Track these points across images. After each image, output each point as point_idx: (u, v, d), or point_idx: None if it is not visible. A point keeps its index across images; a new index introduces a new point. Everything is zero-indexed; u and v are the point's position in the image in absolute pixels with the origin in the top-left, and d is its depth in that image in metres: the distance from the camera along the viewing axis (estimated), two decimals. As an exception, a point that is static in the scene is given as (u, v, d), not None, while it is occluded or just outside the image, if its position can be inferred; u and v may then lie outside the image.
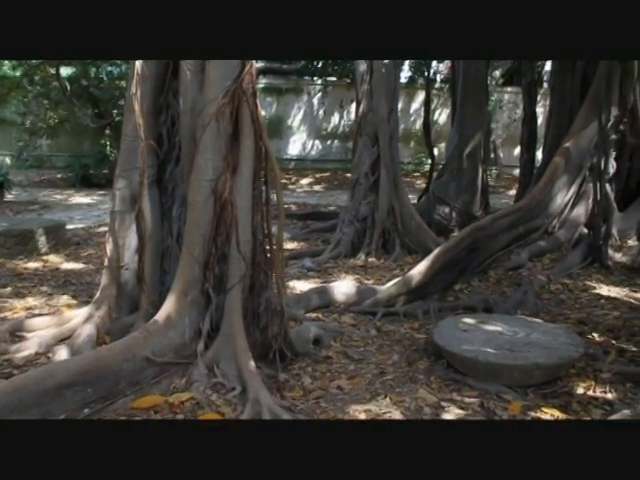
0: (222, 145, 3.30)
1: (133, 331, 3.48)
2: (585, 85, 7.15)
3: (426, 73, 14.09)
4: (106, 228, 4.19)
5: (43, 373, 2.95)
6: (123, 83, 11.50)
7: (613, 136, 6.39)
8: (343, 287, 4.80)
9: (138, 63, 3.56)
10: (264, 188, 3.43)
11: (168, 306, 3.37)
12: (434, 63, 15.78)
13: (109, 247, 3.86)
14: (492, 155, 14.39)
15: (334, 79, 15.57)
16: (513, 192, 9.89)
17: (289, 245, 6.86)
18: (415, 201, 7.95)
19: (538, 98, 10.59)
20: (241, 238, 3.29)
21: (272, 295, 3.46)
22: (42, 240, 6.44)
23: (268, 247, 3.50)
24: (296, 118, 16.03)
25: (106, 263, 3.88)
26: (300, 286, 5.20)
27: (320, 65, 15.50)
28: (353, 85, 6.96)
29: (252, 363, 3.14)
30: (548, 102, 8.59)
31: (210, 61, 3.30)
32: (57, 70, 9.24)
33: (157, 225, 3.80)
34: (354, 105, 6.97)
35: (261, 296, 3.43)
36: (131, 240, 3.84)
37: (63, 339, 3.73)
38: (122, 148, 3.86)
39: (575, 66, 7.43)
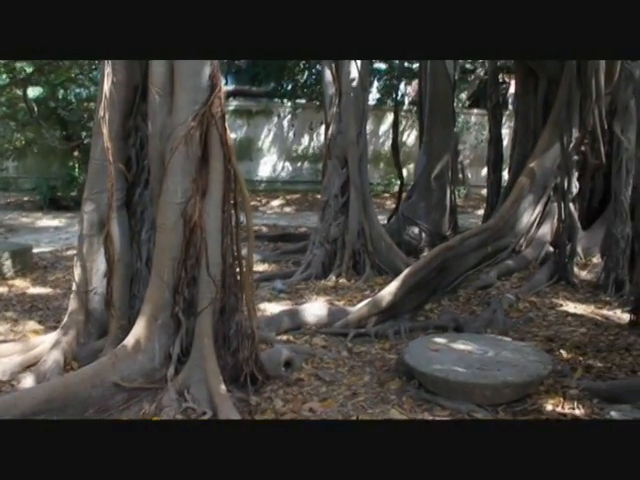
0: (191, 168, 3.31)
1: (102, 356, 3.43)
2: (547, 108, 7.35)
3: (394, 95, 14.30)
4: (74, 251, 4.14)
5: (7, 402, 2.88)
6: (92, 105, 11.42)
7: (575, 157, 6.54)
8: (314, 309, 4.81)
9: (106, 87, 3.56)
10: (233, 211, 3.44)
11: (137, 330, 3.34)
12: (402, 86, 16.04)
13: (77, 271, 3.81)
14: (460, 175, 14.63)
15: (303, 101, 15.70)
16: (481, 212, 10.03)
17: (260, 267, 6.84)
18: (385, 222, 8.01)
19: (503, 120, 10.81)
20: (211, 261, 3.29)
21: (243, 318, 3.45)
22: (8, 264, 6.32)
23: (238, 270, 3.50)
24: (266, 140, 16.09)
25: (74, 287, 3.83)
26: (271, 308, 5.19)
27: (290, 88, 15.62)
28: (322, 107, 7.03)
29: (223, 387, 3.12)
30: (513, 124, 8.78)
31: (179, 85, 3.32)
32: (24, 91, 9.14)
33: (126, 249, 3.77)
34: (324, 127, 7.04)
35: (232, 319, 3.42)
36: (100, 264, 3.81)
37: (29, 366, 3.65)
38: (90, 171, 3.84)
39: (537, 90, 7.64)
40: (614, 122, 5.95)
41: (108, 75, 3.55)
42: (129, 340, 3.31)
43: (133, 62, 3.62)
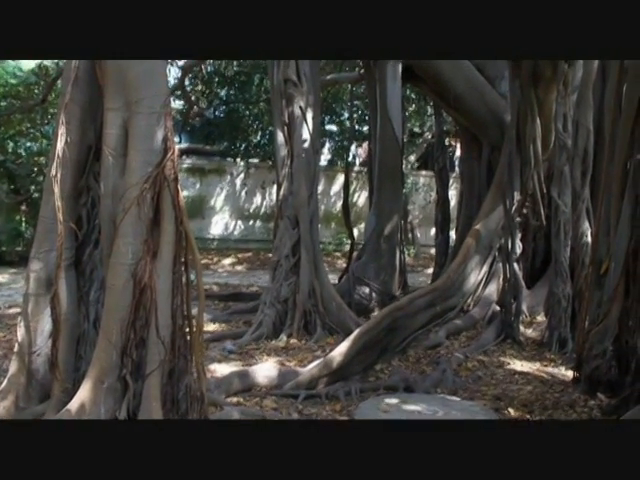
0: (143, 229, 3.31)
1: (43, 422, 3.31)
2: (490, 172, 7.70)
3: (345, 157, 14.68)
4: (18, 309, 4.03)
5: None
6: (42, 159, 11.31)
7: (518, 219, 6.82)
8: (265, 370, 4.77)
9: (60, 146, 3.56)
10: (184, 272, 3.44)
11: (82, 394, 3.24)
12: (353, 147, 16.49)
13: (21, 331, 3.70)
14: (410, 235, 14.97)
15: (256, 161, 15.92)
16: (431, 270, 10.24)
17: (210, 327, 6.76)
18: (336, 281, 8.09)
19: (451, 182, 11.23)
20: (160, 322, 3.26)
21: (192, 380, 3.40)
22: (-55, 324, 6.05)
23: (188, 331, 3.47)
24: (219, 198, 16.15)
25: (16, 348, 3.71)
26: (221, 369, 5.12)
27: (243, 147, 15.84)
28: (275, 167, 7.18)
29: (171, 452, 3.04)
30: (459, 186, 9.13)
31: (132, 147, 3.35)
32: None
33: (73, 309, 3.69)
34: (276, 187, 7.16)
35: (180, 381, 3.37)
36: (45, 324, 3.71)
37: (-37, 433, 3.48)
38: (39, 229, 3.79)
39: (481, 155, 8.00)
40: (552, 187, 6.27)
41: (62, 135, 3.57)
42: (73, 404, 3.21)
43: (87, 122, 3.65)
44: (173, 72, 15.49)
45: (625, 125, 4.23)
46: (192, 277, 3.48)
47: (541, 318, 6.79)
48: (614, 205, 4.46)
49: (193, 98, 15.13)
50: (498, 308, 6.70)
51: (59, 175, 3.57)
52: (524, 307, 6.77)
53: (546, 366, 5.46)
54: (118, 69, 3.32)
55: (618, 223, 4.36)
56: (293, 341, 6.14)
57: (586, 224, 5.90)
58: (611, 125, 4.56)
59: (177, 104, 15.87)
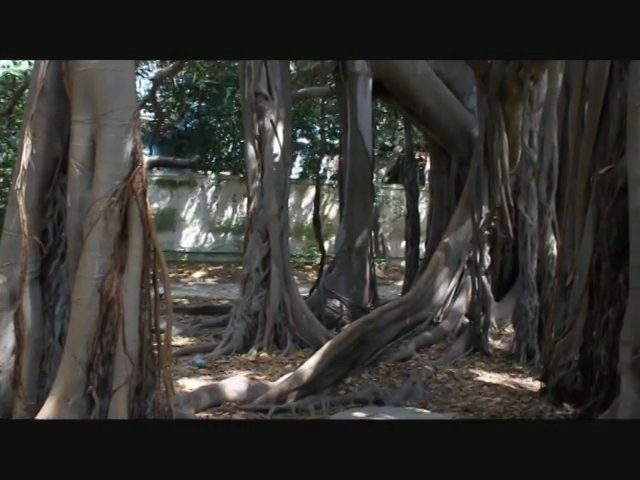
0: (110, 243, 3.27)
1: (5, 441, 3.23)
2: (459, 186, 7.81)
3: (316, 170, 14.75)
4: (-22, 326, 3.93)
5: None
6: (8, 170, 11.11)
7: (486, 232, 6.92)
8: (234, 384, 4.73)
9: (25, 158, 3.51)
10: (152, 286, 3.41)
11: (46, 411, 3.18)
12: (324, 160, 16.57)
13: (-18, 348, 3.61)
14: (380, 248, 15.07)
15: (227, 174, 15.88)
16: (401, 283, 10.31)
17: (180, 341, 6.70)
18: (307, 294, 8.09)
19: (421, 195, 11.34)
20: (128, 337, 3.22)
21: (160, 396, 3.36)
22: None
23: (156, 345, 3.43)
24: (189, 211, 16.06)
25: (-23, 365, 3.62)
26: (190, 384, 5.06)
27: (214, 160, 15.80)
28: (246, 180, 7.18)
29: (137, 470, 3.00)
30: (429, 200, 9.24)
31: (100, 160, 3.32)
32: None
33: (38, 324, 3.62)
34: (246, 200, 7.15)
35: (148, 397, 3.32)
36: (8, 340, 3.63)
37: None
38: (3, 243, 3.72)
39: (450, 169, 8.12)
40: (518, 200, 6.39)
41: (27, 147, 3.52)
42: (37, 422, 3.14)
43: (54, 134, 3.61)
44: (144, 84, 15.45)
45: (587, 142, 4.33)
46: (161, 291, 3.45)
47: (509, 330, 6.87)
48: (578, 219, 4.56)
49: (164, 110, 15.07)
50: (467, 320, 6.76)
51: (24, 188, 3.52)
52: (493, 319, 6.85)
53: (514, 377, 5.52)
54: (86, 80, 3.30)
55: (582, 237, 4.45)
56: (263, 355, 6.11)
57: (552, 237, 6.01)
58: (574, 141, 4.67)
59: (148, 116, 15.79)
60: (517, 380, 5.43)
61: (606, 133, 4.15)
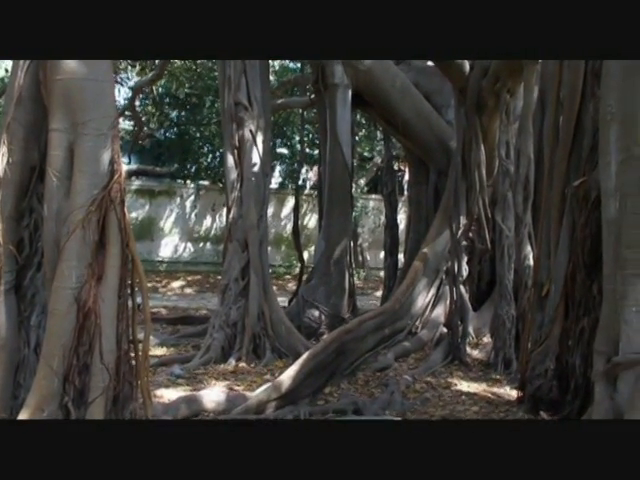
0: (87, 253, 3.25)
1: (-22, 453, 3.17)
2: (437, 197, 7.89)
3: (296, 180, 14.78)
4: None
5: None
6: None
7: (464, 243, 6.99)
8: (212, 395, 4.71)
9: (1, 167, 3.48)
10: (130, 295, 3.39)
11: (21, 423, 3.13)
12: (303, 170, 16.61)
13: (-45, 358, 3.55)
14: (359, 258, 15.12)
15: (207, 183, 15.84)
16: (380, 293, 10.35)
17: (158, 351, 6.64)
18: (286, 304, 8.08)
19: (400, 205, 11.42)
20: (105, 348, 3.19)
21: (137, 406, 3.33)
22: None
23: (134, 355, 3.41)
24: (168, 220, 15.97)
25: (-50, 377, 3.56)
26: (168, 394, 5.02)
27: (193, 169, 15.76)
28: (225, 190, 7.17)
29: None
30: (408, 210, 9.30)
31: (78, 169, 3.30)
32: None
33: (13, 334, 3.57)
34: (226, 209, 7.14)
35: (125, 408, 3.29)
36: (-19, 351, 3.58)
37: None
38: (-23, 252, 3.67)
39: (429, 180, 8.19)
40: (496, 211, 6.47)
41: (3, 155, 3.49)
42: (11, 434, 3.09)
43: (31, 143, 3.57)
44: (123, 92, 15.37)
45: (562, 154, 4.41)
46: (139, 301, 3.43)
47: (487, 339, 6.93)
48: (554, 230, 4.63)
49: (143, 119, 15.00)
50: (445, 330, 6.81)
51: (0, 196, 3.49)
52: (471, 329, 6.91)
53: (492, 386, 5.57)
54: (65, 89, 3.28)
55: (558, 247, 4.52)
56: (242, 365, 6.08)
57: (528, 248, 6.09)
58: (550, 154, 4.75)
59: (127, 124, 15.71)
60: (495, 389, 5.48)
61: (580, 146, 4.24)
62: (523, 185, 5.97)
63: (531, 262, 5.91)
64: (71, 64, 3.20)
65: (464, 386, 5.57)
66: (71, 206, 3.28)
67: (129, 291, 3.39)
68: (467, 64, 7.06)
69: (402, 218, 11.99)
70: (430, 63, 8.39)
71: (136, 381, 3.36)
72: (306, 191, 16.29)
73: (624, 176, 3.15)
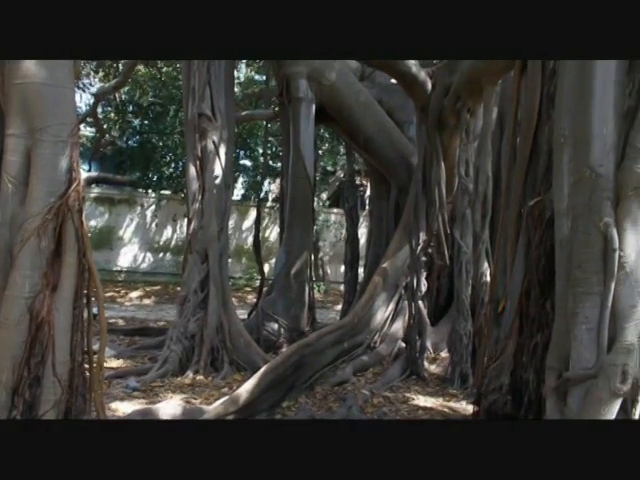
0: (42, 262, 3.18)
1: None
2: (398, 212, 7.98)
3: (258, 192, 14.77)
4: None
5: None
6: None
7: (423, 258, 7.08)
8: (168, 408, 4.63)
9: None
10: (86, 306, 3.33)
11: (-33, 437, 3.03)
12: (266, 183, 16.62)
13: None
14: (320, 271, 15.15)
15: (168, 193, 15.69)
16: (340, 307, 10.38)
17: (113, 363, 6.51)
18: (245, 317, 8.04)
19: (361, 220, 11.52)
20: (58, 359, 3.12)
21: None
22: None
23: (88, 367, 3.34)
24: (128, 229, 15.75)
25: None
26: (123, 408, 4.93)
27: (155, 178, 15.59)
28: (186, 200, 7.12)
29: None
30: (369, 225, 9.38)
31: (35, 176, 3.24)
32: None
33: (-39, 345, 3.47)
34: (187, 220, 7.08)
35: (77, 421, 3.22)
36: None
37: None
38: None
39: (390, 195, 8.29)
40: (454, 228, 6.58)
41: (-42, 160, 3.40)
42: (-44, 448, 2.99)
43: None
44: (85, 98, 15.15)
45: (519, 174, 4.51)
46: (95, 311, 3.37)
47: (445, 354, 7.01)
48: (510, 248, 4.72)
49: (105, 126, 14.79)
50: (404, 345, 6.87)
51: (-48, 202, 3.39)
52: (428, 344, 6.98)
53: (449, 401, 5.63)
54: (23, 94, 3.21)
55: (513, 265, 4.61)
56: (199, 378, 6.01)
57: (485, 264, 6.20)
58: (507, 173, 4.85)
59: (88, 131, 15.47)
60: (451, 404, 5.54)
61: (536, 167, 4.34)
62: (481, 203, 6.09)
63: (488, 278, 6.02)
64: (30, 68, 3.15)
65: (421, 400, 5.62)
66: (26, 213, 3.22)
67: (85, 301, 3.33)
68: (429, 83, 7.19)
69: (363, 232, 12.09)
70: (393, 81, 8.51)
71: (90, 394, 3.29)
72: (268, 203, 16.28)
73: (576, 197, 3.24)
